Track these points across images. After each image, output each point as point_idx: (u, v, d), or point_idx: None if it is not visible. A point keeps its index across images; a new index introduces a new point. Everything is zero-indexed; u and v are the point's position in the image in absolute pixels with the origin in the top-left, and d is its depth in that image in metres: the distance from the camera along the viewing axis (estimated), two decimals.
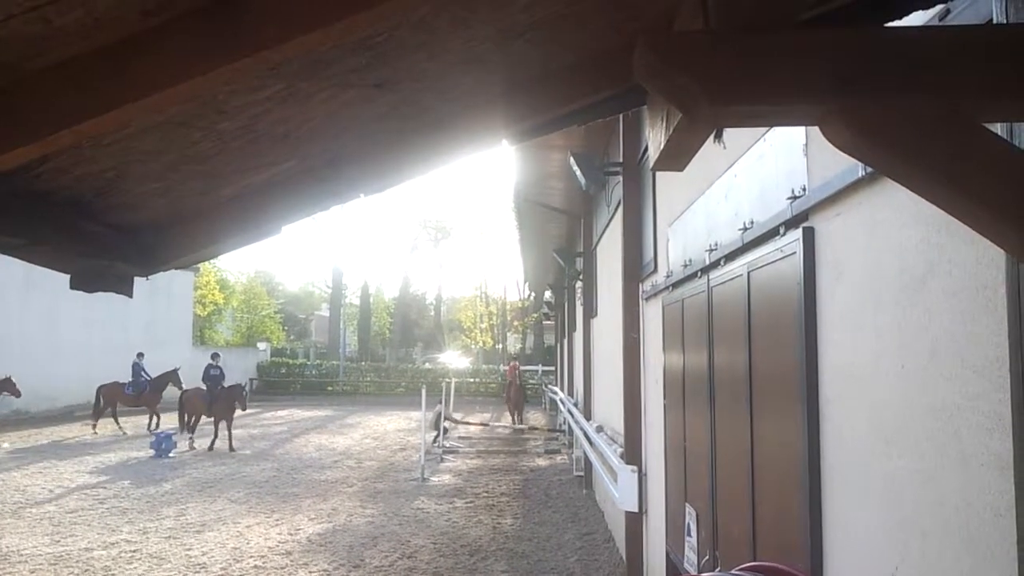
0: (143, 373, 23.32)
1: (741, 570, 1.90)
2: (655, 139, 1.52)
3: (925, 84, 1.28)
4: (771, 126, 3.16)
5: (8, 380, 22.30)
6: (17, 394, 22.58)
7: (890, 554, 2.54)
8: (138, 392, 22.77)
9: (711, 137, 1.47)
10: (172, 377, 22.90)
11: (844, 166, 2.82)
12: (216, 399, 20.47)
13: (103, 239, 1.91)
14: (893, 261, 2.53)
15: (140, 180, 1.83)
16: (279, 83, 1.58)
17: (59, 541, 10.50)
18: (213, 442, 19.87)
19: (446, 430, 20.79)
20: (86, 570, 9.17)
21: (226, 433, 20.06)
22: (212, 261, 43.93)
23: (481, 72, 1.96)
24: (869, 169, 2.59)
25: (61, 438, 21.43)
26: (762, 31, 1.30)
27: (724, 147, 3.27)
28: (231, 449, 19.63)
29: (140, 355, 23.58)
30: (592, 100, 2.05)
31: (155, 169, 1.80)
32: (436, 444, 19.61)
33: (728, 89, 1.26)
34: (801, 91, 1.27)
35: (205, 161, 1.84)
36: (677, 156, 1.46)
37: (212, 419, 20.17)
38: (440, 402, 20.94)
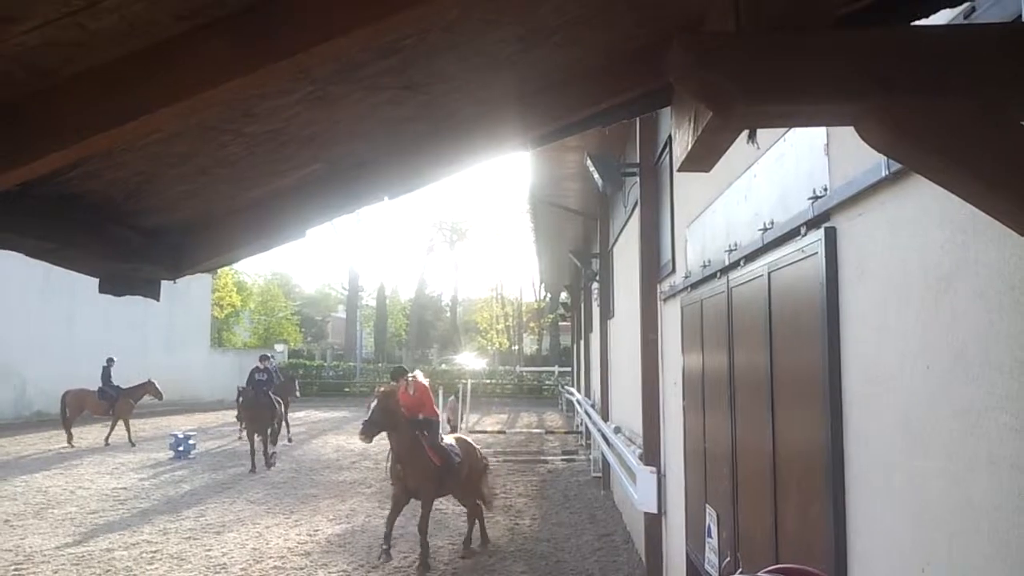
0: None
1: (768, 572, 1.89)
2: (682, 140, 1.52)
3: (960, 82, 1.27)
4: (804, 126, 3.14)
5: (151, 383, 22.21)
6: (160, 396, 22.34)
7: (917, 555, 2.52)
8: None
9: (743, 137, 1.46)
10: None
11: (867, 166, 2.80)
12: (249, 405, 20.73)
13: (131, 243, 1.93)
14: (918, 261, 2.51)
15: (169, 184, 1.85)
16: (309, 86, 1.59)
17: (81, 541, 10.60)
18: (287, 435, 21.18)
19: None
20: (108, 570, 9.24)
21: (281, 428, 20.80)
22: (229, 265, 44.13)
23: (509, 74, 1.97)
24: (893, 169, 2.57)
25: (81, 440, 21.60)
26: (795, 31, 1.30)
27: (757, 147, 3.26)
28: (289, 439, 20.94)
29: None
30: (617, 101, 2.05)
31: (184, 172, 1.81)
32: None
33: (763, 89, 1.25)
34: (836, 91, 1.26)
35: (233, 164, 1.85)
36: (705, 157, 1.46)
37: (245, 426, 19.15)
38: (455, 397, 20.97)
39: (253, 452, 17.03)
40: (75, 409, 21.12)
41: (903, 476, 2.63)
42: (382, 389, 9.97)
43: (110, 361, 22.14)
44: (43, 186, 1.55)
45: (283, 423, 19.18)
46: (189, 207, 2.04)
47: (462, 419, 21.01)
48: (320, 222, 2.20)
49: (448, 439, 10.73)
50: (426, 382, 10.81)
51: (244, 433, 18.87)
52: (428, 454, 9.91)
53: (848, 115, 1.31)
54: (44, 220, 1.62)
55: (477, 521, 10.71)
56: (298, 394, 21.72)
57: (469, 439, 11.39)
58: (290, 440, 21.38)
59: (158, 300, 2.21)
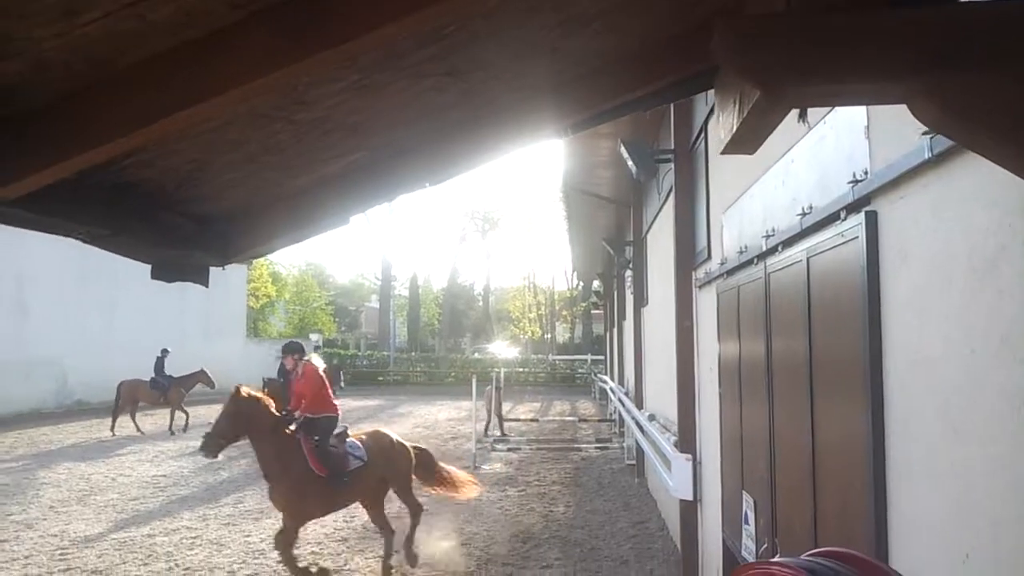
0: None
1: (812, 555, 1.88)
2: (726, 123, 1.52)
3: (1012, 58, 1.26)
4: (853, 105, 3.09)
5: (203, 372, 22.59)
6: (212, 385, 22.66)
7: (960, 541, 2.50)
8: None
9: (794, 117, 1.45)
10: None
11: (909, 148, 2.76)
12: None
13: (182, 230, 1.97)
14: (962, 244, 2.48)
15: (219, 171, 1.88)
16: (355, 74, 1.61)
17: (123, 527, 10.81)
18: None
19: (498, 420, 20.75)
20: (149, 555, 9.43)
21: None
22: (263, 256, 44.59)
23: (548, 61, 1.97)
24: (936, 150, 2.54)
25: (121, 428, 22.01)
26: (846, 10, 1.29)
27: (808, 126, 3.23)
28: None
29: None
30: (657, 86, 2.04)
31: (234, 160, 1.85)
32: (488, 434, 19.74)
33: (813, 69, 1.25)
34: (887, 70, 1.25)
35: (282, 152, 1.88)
36: (750, 139, 1.45)
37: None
38: (493, 387, 20.92)
39: None
40: (128, 399, 21.45)
41: (945, 461, 2.61)
42: (238, 388, 8.30)
43: (164, 352, 22.51)
44: (99, 174, 1.59)
45: None
46: (237, 195, 2.08)
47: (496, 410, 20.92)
48: (362, 209, 2.23)
49: (353, 436, 8.95)
50: (320, 366, 9.09)
51: None
52: (308, 462, 8.19)
53: (900, 94, 1.30)
54: (100, 208, 1.66)
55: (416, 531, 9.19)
56: (343, 384, 21.68)
57: (391, 432, 9.51)
58: None
59: (207, 286, 2.26)
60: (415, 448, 9.49)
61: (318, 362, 9.11)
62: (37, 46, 1.21)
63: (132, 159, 1.59)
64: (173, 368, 22.40)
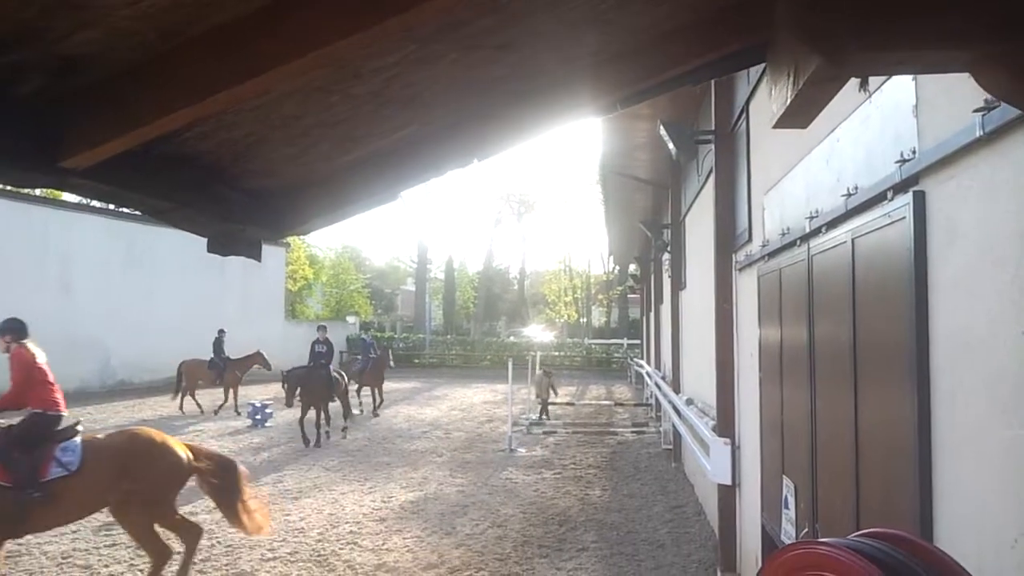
0: (223, 351, 22.72)
1: (858, 536, 1.87)
2: (779, 95, 1.50)
3: None
4: (917, 73, 3.02)
5: (259, 354, 22.98)
6: (268, 367, 23.05)
7: (1009, 525, 2.47)
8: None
9: (856, 86, 1.44)
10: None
11: (959, 126, 2.72)
12: (366, 367, 22.04)
13: (238, 204, 2.00)
14: (1014, 223, 2.44)
15: (275, 145, 1.91)
16: (412, 45, 1.61)
17: None
18: (376, 406, 22.10)
19: (545, 404, 20.89)
20: None
21: (379, 397, 22.13)
22: (302, 237, 45.10)
23: (602, 32, 1.96)
24: (988, 128, 2.49)
25: (164, 408, 22.44)
26: None
27: (869, 95, 3.18)
28: (375, 414, 21.58)
29: (221, 332, 23.11)
30: (708, 59, 2.03)
31: (290, 134, 1.87)
32: (541, 419, 20.15)
33: (877, 35, 1.23)
34: (955, 36, 1.23)
35: (336, 126, 1.90)
36: (805, 112, 1.44)
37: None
38: (543, 372, 21.13)
39: (304, 426, 16.41)
40: (191, 379, 21.92)
41: (994, 444, 2.57)
42: None
43: (221, 332, 22.89)
44: (162, 146, 1.62)
45: (347, 397, 18.81)
46: (291, 170, 2.10)
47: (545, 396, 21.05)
48: (412, 185, 2.24)
49: (86, 437, 7.12)
50: (37, 354, 7.20)
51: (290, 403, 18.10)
52: None
53: (966, 61, 1.28)
54: (162, 180, 1.70)
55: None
56: (392, 364, 22.35)
57: (158, 433, 7.65)
58: (376, 414, 21.92)
59: (259, 260, 2.29)
60: (214, 458, 7.75)
61: (33, 348, 7.23)
62: (111, 16, 1.24)
63: (192, 131, 1.62)
64: (207, 349, 22.82)
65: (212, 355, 22.22)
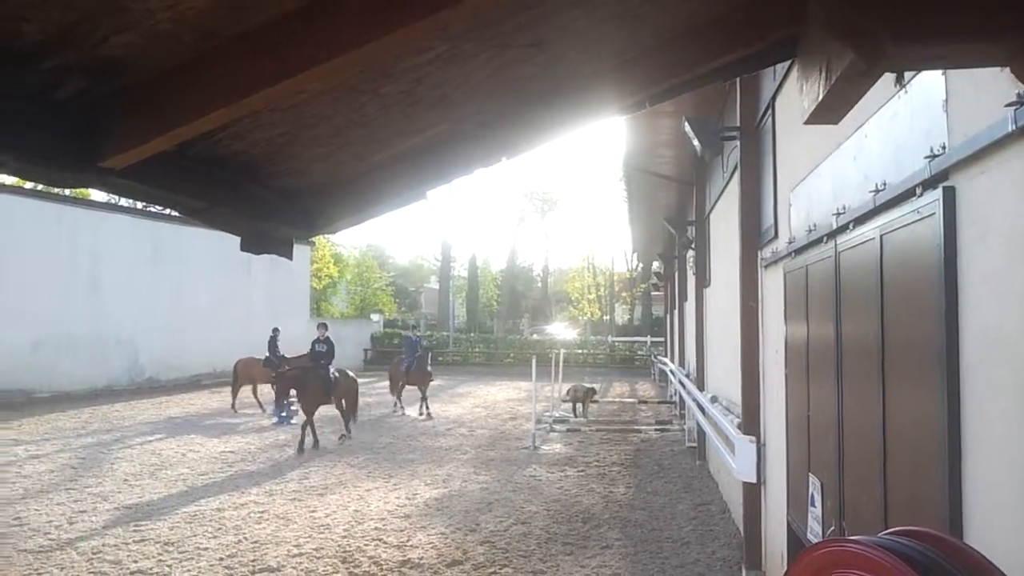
0: (277, 349, 22.34)
1: (888, 534, 1.86)
2: (811, 91, 1.50)
3: None
4: (953, 68, 2.99)
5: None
6: None
7: None
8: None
9: (892, 81, 1.43)
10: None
11: (990, 121, 2.69)
12: (411, 368, 21.45)
13: (270, 203, 2.02)
14: None
15: (307, 145, 1.92)
16: (444, 44, 1.62)
17: (193, 501, 11.16)
18: (422, 408, 21.22)
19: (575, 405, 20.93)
20: (219, 528, 9.71)
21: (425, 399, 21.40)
22: (327, 236, 45.37)
23: (632, 28, 1.96)
24: (1020, 123, 2.46)
25: (190, 405, 22.67)
26: None
27: (905, 90, 3.15)
28: (428, 416, 20.89)
29: (276, 330, 22.67)
30: (738, 55, 2.02)
31: (321, 134, 1.89)
32: (577, 416, 20.31)
33: (914, 29, 1.22)
34: (992, 28, 1.22)
35: (367, 125, 1.92)
36: (836, 107, 1.44)
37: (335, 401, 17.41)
38: (588, 389, 21.18)
39: (303, 430, 15.80)
40: (244, 377, 22.06)
41: None
42: None
43: (276, 331, 22.78)
44: (197, 146, 1.65)
45: (355, 400, 17.82)
46: (322, 169, 2.12)
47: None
48: (439, 184, 2.26)
49: None
50: None
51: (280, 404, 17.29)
52: None
53: (1001, 54, 1.26)
54: (197, 180, 1.73)
55: None
56: (429, 368, 21.57)
57: None
58: (430, 416, 21.14)
59: (291, 259, 2.32)
60: None
61: None
62: (150, 19, 1.27)
63: (227, 132, 1.64)
64: (239, 347, 22.84)
65: (267, 353, 22.14)
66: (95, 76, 1.42)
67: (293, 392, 17.27)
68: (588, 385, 21.46)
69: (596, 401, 21.83)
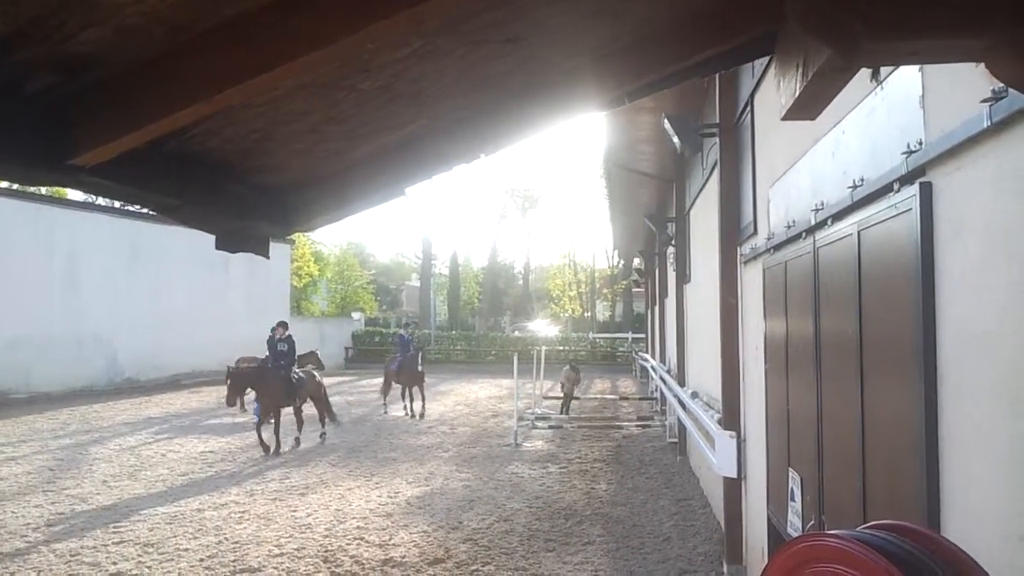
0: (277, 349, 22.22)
1: (866, 528, 1.86)
2: (787, 87, 1.50)
3: None
4: (929, 63, 3.00)
5: (314, 353, 22.71)
6: (322, 367, 22.60)
7: (1018, 518, 2.47)
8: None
9: (869, 77, 1.43)
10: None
11: (966, 117, 2.71)
12: (403, 368, 20.91)
13: (247, 200, 2.00)
14: (1022, 215, 2.43)
15: (283, 141, 1.91)
16: (420, 40, 1.61)
17: (173, 501, 11.09)
18: (412, 408, 20.82)
19: (568, 399, 20.96)
20: (199, 528, 9.65)
21: (420, 399, 21.02)
22: (307, 234, 45.18)
23: (610, 24, 1.96)
24: (995, 119, 2.48)
25: (170, 405, 22.50)
26: None
27: (881, 85, 3.16)
28: (420, 416, 20.53)
29: (275, 329, 22.70)
30: (716, 51, 2.02)
31: (297, 130, 1.87)
32: (564, 412, 20.47)
33: (889, 25, 1.22)
34: (968, 24, 1.22)
35: (344, 122, 1.90)
36: (813, 103, 1.44)
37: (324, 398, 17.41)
38: (572, 367, 21.21)
39: (259, 431, 15.20)
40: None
41: (1002, 439, 2.57)
42: None
43: (274, 330, 22.53)
44: (170, 143, 1.62)
45: (324, 400, 17.28)
46: (299, 166, 2.10)
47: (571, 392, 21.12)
48: (418, 180, 2.25)
49: None
50: None
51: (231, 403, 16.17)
52: None
53: (977, 49, 1.27)
54: (171, 177, 1.70)
55: None
56: (420, 368, 21.02)
57: None
58: (415, 415, 20.77)
59: (267, 257, 2.29)
60: None
61: None
62: (119, 13, 1.25)
63: (201, 128, 1.62)
64: (219, 346, 22.66)
65: (267, 353, 21.75)
66: (65, 71, 1.40)
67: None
68: (571, 366, 21.42)
69: (578, 398, 21.86)
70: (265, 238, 2.22)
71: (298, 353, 21.74)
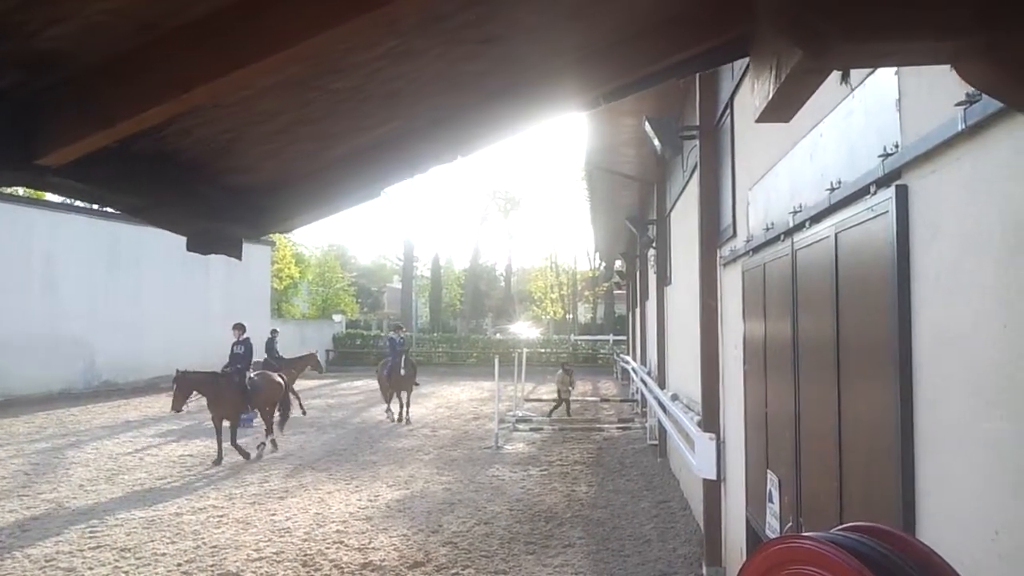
0: (275, 351, 21.57)
1: (840, 530, 1.87)
2: (762, 90, 1.50)
3: None
4: (899, 65, 3.01)
5: (312, 355, 22.52)
6: (320, 369, 22.32)
7: (990, 518, 2.49)
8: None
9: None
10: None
11: (941, 120, 2.73)
12: (392, 372, 20.32)
13: (218, 201, 1.98)
14: (996, 217, 2.45)
15: (255, 142, 1.89)
16: (394, 40, 1.60)
17: (151, 505, 10.98)
18: (402, 414, 20.31)
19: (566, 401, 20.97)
20: (177, 533, 9.57)
21: (406, 404, 20.52)
22: (287, 235, 45.01)
23: (588, 25, 1.95)
24: (969, 122, 2.50)
25: (148, 408, 22.31)
26: None
27: (851, 88, 3.18)
28: (407, 421, 20.06)
29: (274, 331, 22.10)
30: (693, 52, 2.02)
31: (269, 131, 1.85)
32: (552, 415, 20.41)
33: (862, 27, 1.22)
34: (939, 27, 1.22)
35: (317, 122, 1.89)
36: (787, 105, 1.44)
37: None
38: (564, 370, 21.21)
39: (220, 442, 14.42)
40: None
41: (975, 439, 2.59)
42: None
43: (274, 332, 22.12)
44: (140, 143, 1.60)
45: (285, 407, 16.48)
46: (272, 167, 2.09)
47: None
48: (394, 182, 2.23)
49: None
50: None
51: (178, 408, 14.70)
52: None
53: (947, 53, 1.27)
54: (140, 178, 1.68)
55: None
56: (403, 372, 20.33)
57: None
58: (401, 420, 20.20)
59: (240, 259, 2.26)
60: None
61: None
62: (85, 9, 1.23)
63: (171, 128, 1.60)
64: (197, 349, 22.51)
65: (265, 356, 21.28)
66: (30, 69, 1.37)
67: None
68: (564, 368, 21.37)
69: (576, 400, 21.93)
70: (237, 240, 2.19)
71: (291, 356, 21.64)
